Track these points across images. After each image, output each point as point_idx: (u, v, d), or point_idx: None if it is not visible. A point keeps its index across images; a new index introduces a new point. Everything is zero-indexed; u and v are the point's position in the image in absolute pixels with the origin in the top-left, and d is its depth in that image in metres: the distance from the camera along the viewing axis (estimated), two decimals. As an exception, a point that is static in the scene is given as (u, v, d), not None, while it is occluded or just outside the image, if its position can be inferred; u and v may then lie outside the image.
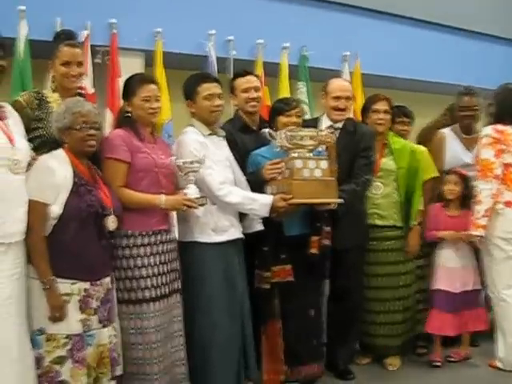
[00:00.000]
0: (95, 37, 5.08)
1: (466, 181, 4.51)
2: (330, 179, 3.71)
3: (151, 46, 5.42)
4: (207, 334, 3.52)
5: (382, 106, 4.43)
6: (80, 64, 3.52)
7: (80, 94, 3.56)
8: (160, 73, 5.37)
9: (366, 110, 4.53)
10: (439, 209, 4.56)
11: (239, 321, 3.62)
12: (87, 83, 4.76)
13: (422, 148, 4.64)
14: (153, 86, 3.45)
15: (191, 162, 3.36)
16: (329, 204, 3.78)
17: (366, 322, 4.43)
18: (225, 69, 5.65)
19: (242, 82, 4.08)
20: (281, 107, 3.95)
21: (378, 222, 4.39)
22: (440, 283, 4.47)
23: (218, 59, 5.62)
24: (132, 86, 3.45)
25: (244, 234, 3.76)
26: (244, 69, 4.28)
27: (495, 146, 4.30)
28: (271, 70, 5.90)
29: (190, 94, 3.65)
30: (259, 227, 3.80)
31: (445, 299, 4.42)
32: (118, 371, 3.20)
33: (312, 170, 3.63)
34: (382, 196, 4.39)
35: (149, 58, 5.43)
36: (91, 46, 5.07)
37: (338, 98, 4.20)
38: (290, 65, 6.06)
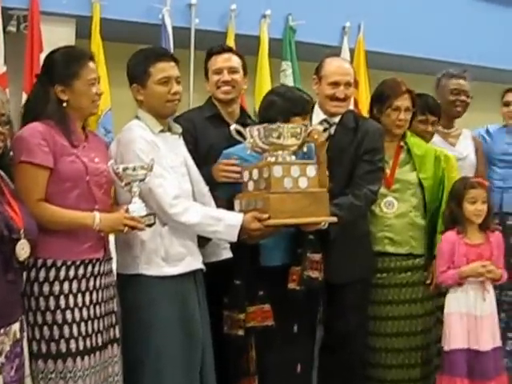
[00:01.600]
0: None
1: (487, 192, 4.38)
2: (320, 191, 3.64)
3: (86, 11, 5.43)
4: None
5: (403, 101, 4.38)
6: None
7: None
8: (97, 47, 5.36)
9: (380, 102, 4.46)
10: (455, 237, 4.31)
11: (198, 380, 3.57)
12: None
13: (447, 153, 4.66)
14: (94, 65, 3.42)
15: (134, 169, 3.31)
16: (318, 224, 3.74)
17: (373, 380, 4.42)
18: (183, 43, 5.65)
19: (216, 62, 4.11)
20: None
21: (390, 249, 4.37)
22: (456, 341, 4.24)
23: (176, 30, 5.62)
24: (72, 64, 3.37)
25: (206, 263, 3.72)
26: (222, 44, 4.30)
27: None
28: (247, 45, 5.84)
29: (137, 76, 3.57)
30: (226, 255, 3.77)
31: (464, 361, 4.21)
32: None
33: (295, 180, 3.55)
34: (396, 216, 4.37)
35: (82, 26, 5.42)
36: (2, 8, 5.02)
37: (335, 84, 4.18)
38: (271, 39, 6.10)
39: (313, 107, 4.16)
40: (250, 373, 3.85)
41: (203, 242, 3.68)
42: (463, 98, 4.99)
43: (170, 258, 3.50)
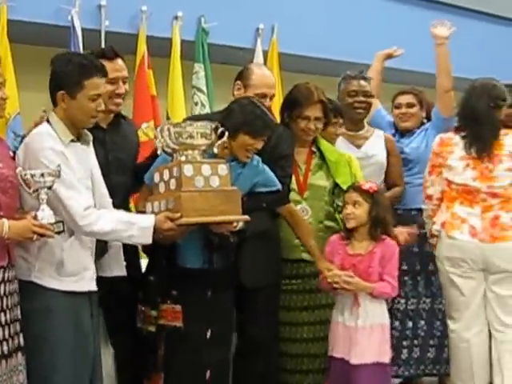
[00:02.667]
0: None
1: (375, 198, 4.17)
2: (232, 189, 3.65)
3: (-9, 13, 5.30)
4: None
5: (314, 111, 4.34)
6: None
7: None
8: (4, 49, 5.26)
9: (291, 108, 4.43)
10: (336, 241, 4.24)
11: None
12: None
13: (349, 155, 4.66)
14: None
15: (42, 175, 3.22)
16: (231, 223, 3.72)
17: None
18: (93, 45, 5.43)
19: (109, 69, 3.84)
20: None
21: (305, 256, 4.34)
22: (334, 349, 4.16)
23: (85, 32, 5.54)
24: None
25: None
26: (111, 46, 4.17)
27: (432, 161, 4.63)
28: (159, 47, 5.89)
29: (68, 85, 3.45)
30: (119, 272, 3.75)
31: (340, 370, 4.14)
32: None
33: (207, 178, 3.54)
34: (310, 222, 4.35)
35: (-12, 28, 5.29)
36: None
37: (263, 95, 4.19)
38: (183, 41, 6.07)
39: None
40: (158, 369, 3.84)
41: (99, 254, 3.63)
42: (361, 98, 4.95)
43: (63, 272, 3.41)
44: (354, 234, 4.14)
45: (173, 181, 3.57)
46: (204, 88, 6.00)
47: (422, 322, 5.19)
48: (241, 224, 3.77)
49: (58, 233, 3.26)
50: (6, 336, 3.23)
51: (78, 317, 3.47)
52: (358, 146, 4.99)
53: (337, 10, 6.96)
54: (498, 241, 4.42)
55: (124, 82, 4.01)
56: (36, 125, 3.59)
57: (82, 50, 5.25)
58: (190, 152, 3.62)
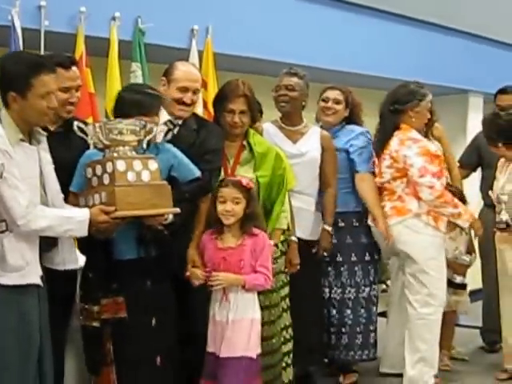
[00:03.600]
0: None
1: (251, 194, 4.16)
2: (162, 183, 3.76)
3: None
4: None
5: (237, 105, 4.46)
6: None
7: None
8: None
9: (218, 103, 4.60)
10: (208, 238, 4.20)
11: None
12: None
13: (279, 151, 4.75)
14: None
15: None
16: (162, 216, 3.83)
17: None
18: (34, 44, 5.52)
19: (63, 78, 3.95)
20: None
21: None
22: (208, 344, 4.16)
23: (25, 31, 5.52)
24: None
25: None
26: (68, 55, 4.25)
27: None
28: (97, 46, 5.89)
29: (17, 84, 3.42)
30: (73, 265, 3.82)
31: (211, 364, 4.14)
32: None
33: (138, 173, 3.66)
34: None
35: None
36: None
37: (184, 89, 4.28)
38: (121, 40, 6.08)
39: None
40: (107, 363, 3.89)
41: (48, 246, 3.66)
42: (284, 92, 5.06)
43: (7, 267, 3.39)
44: (225, 229, 4.12)
45: (106, 175, 3.64)
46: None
47: (349, 311, 5.36)
48: (171, 217, 3.86)
49: (1, 232, 3.31)
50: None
51: (23, 308, 3.44)
52: (294, 142, 5.09)
53: (267, 13, 7.03)
54: None
55: (77, 91, 4.07)
56: None
57: (22, 49, 5.25)
58: (121, 148, 3.71)
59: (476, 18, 8.85)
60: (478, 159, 6.44)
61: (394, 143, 5.07)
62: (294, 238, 4.86)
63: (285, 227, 4.71)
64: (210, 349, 4.12)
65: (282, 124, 5.14)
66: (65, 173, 3.83)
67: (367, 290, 5.40)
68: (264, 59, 6.94)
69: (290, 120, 5.16)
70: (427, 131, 5.60)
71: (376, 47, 7.91)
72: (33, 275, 3.50)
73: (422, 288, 5.08)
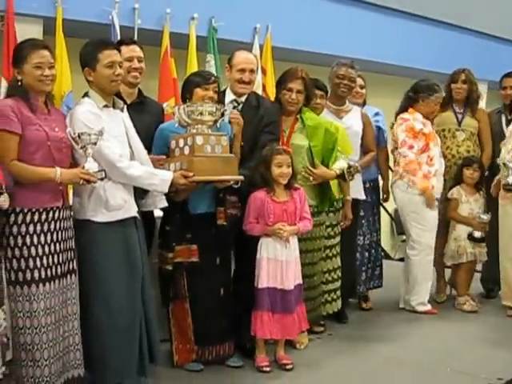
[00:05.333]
0: (-12, 0, 4.97)
1: (292, 158, 4.08)
2: (230, 156, 3.76)
3: (51, 13, 5.33)
4: (104, 320, 3.41)
5: (296, 85, 4.39)
6: None
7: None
8: (60, 42, 5.30)
9: (279, 84, 4.54)
10: (263, 195, 4.05)
11: (140, 306, 3.54)
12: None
13: (338, 126, 4.67)
14: (45, 52, 3.27)
15: (89, 134, 3.27)
16: (229, 181, 3.81)
17: None
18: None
19: (126, 51, 3.90)
20: (199, 80, 3.96)
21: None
22: (263, 281, 4.02)
23: (122, 28, 5.57)
24: (22, 52, 3.26)
25: (145, 212, 3.75)
26: (130, 37, 4.24)
27: None
28: (179, 41, 5.92)
29: (89, 61, 3.46)
30: (162, 204, 3.77)
31: (268, 298, 4.02)
32: (8, 356, 3.12)
33: (213, 147, 3.64)
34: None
35: (48, 25, 5.34)
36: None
37: (242, 70, 4.22)
38: (198, 36, 6.10)
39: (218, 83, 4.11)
40: (180, 297, 3.90)
41: (141, 194, 3.67)
42: (346, 82, 4.94)
43: (110, 207, 3.43)
44: (276, 188, 4.04)
45: (187, 148, 3.65)
46: (215, 74, 5.98)
47: (372, 251, 5.41)
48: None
49: (101, 179, 3.29)
50: (60, 261, 3.27)
51: (127, 243, 3.49)
52: (341, 118, 4.98)
53: (319, 12, 6.99)
54: None
55: (139, 61, 3.96)
56: None
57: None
58: (199, 126, 3.70)
59: (483, 19, 8.83)
60: None
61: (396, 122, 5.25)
62: (348, 198, 4.81)
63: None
64: (267, 284, 3.99)
65: (331, 104, 5.06)
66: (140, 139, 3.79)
67: (375, 235, 5.43)
68: (312, 52, 6.92)
69: (340, 101, 5.05)
70: (471, 107, 5.60)
71: (404, 43, 7.83)
72: (131, 210, 3.53)
73: (408, 235, 5.28)
